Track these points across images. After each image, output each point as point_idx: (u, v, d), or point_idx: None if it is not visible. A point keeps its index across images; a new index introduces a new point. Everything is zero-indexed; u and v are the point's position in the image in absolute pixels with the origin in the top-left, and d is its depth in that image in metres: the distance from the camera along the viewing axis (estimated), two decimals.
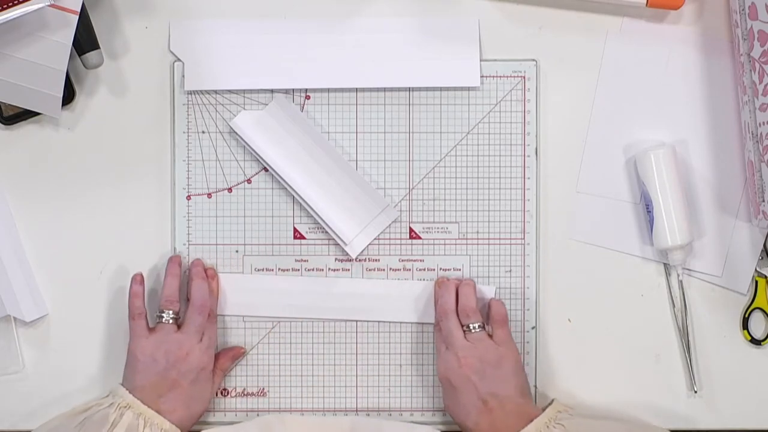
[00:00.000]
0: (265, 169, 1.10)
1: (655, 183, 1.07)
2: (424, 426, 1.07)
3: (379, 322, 1.11)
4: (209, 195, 1.11)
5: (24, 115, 1.10)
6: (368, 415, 1.11)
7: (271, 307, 1.10)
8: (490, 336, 1.05)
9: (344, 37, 1.10)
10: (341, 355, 1.11)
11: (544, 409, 1.02)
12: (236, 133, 1.09)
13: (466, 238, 1.11)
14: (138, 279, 1.07)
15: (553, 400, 1.05)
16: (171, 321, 1.05)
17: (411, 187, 1.11)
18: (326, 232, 1.10)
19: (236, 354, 1.10)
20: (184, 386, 1.03)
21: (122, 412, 1.00)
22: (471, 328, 1.04)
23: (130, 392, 1.01)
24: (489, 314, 1.07)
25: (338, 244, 1.10)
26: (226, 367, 1.09)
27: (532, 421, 0.99)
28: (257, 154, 1.09)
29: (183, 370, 1.03)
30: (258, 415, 1.11)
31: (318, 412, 1.11)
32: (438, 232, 1.11)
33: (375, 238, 1.10)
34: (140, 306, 1.06)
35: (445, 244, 1.11)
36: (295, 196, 1.09)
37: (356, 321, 1.10)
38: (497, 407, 1.01)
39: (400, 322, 1.10)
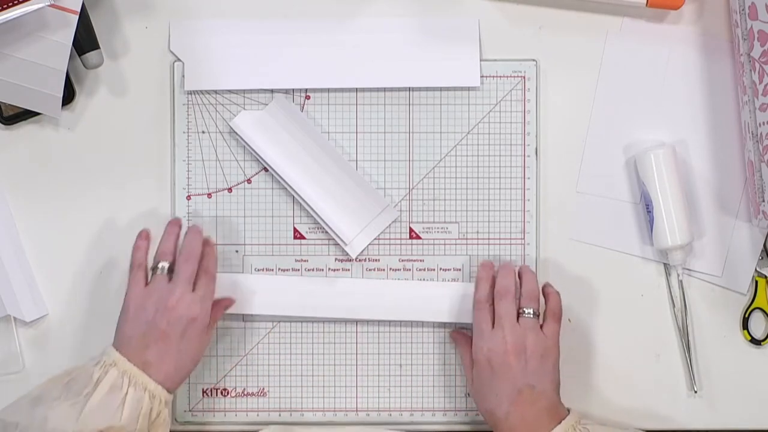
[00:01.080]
0: (265, 169, 1.10)
1: (655, 183, 1.07)
2: None
3: (379, 322, 1.11)
4: (209, 195, 1.11)
5: (24, 115, 1.10)
6: (368, 415, 1.11)
7: (270, 306, 1.10)
8: (541, 327, 1.03)
9: (344, 37, 1.10)
10: (341, 356, 1.11)
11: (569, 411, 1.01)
12: (236, 133, 1.09)
13: (466, 238, 1.11)
14: (144, 234, 1.06)
15: (570, 410, 1.04)
16: (165, 272, 1.02)
17: (411, 187, 1.11)
18: (326, 232, 1.10)
19: (227, 304, 1.07)
20: (173, 338, 1.00)
21: (107, 370, 0.97)
22: (526, 312, 1.02)
23: (118, 346, 0.99)
24: (547, 306, 1.05)
25: (338, 244, 1.10)
26: (217, 318, 1.06)
27: (561, 422, 0.99)
28: (257, 154, 1.09)
29: (171, 320, 1.00)
30: (258, 415, 1.11)
31: (318, 412, 1.11)
32: (438, 232, 1.11)
33: (375, 238, 1.10)
34: (141, 258, 1.04)
35: (445, 244, 1.11)
36: (295, 196, 1.09)
37: (356, 321, 1.10)
38: (531, 400, 0.99)
39: (400, 321, 1.10)
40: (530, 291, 1.04)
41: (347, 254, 1.10)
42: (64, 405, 0.96)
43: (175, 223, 1.06)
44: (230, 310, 1.09)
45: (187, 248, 1.03)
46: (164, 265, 1.03)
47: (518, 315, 1.02)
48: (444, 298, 1.09)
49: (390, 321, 1.10)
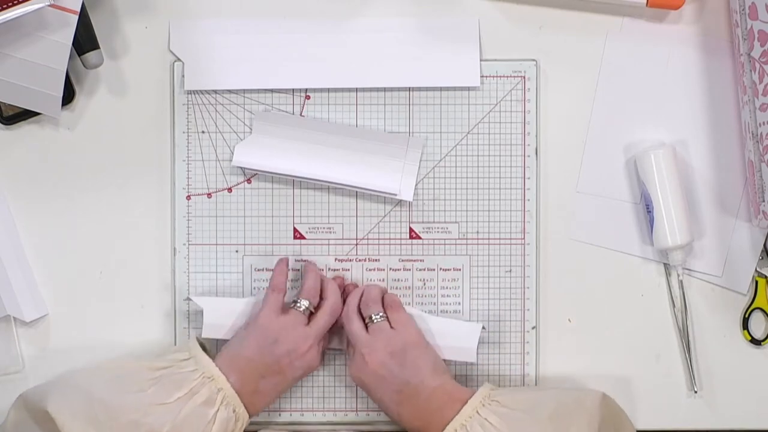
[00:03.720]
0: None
1: (655, 183, 1.07)
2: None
3: None
4: (209, 195, 1.11)
5: (24, 115, 1.10)
6: (368, 415, 1.11)
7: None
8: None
9: (344, 37, 1.10)
10: (341, 355, 1.11)
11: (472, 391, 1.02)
12: (242, 168, 1.09)
13: (466, 238, 1.11)
14: (286, 261, 1.08)
15: (484, 383, 1.04)
16: (305, 311, 1.04)
17: None
18: (330, 230, 1.10)
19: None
20: (288, 378, 1.03)
21: (204, 383, 0.99)
22: (373, 318, 1.04)
23: (232, 358, 1.01)
24: (383, 302, 1.06)
25: (338, 244, 1.10)
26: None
27: (465, 403, 0.99)
28: (272, 173, 1.08)
29: (296, 364, 1.03)
30: (258, 415, 1.11)
31: (318, 412, 1.11)
32: (438, 232, 1.11)
33: (416, 181, 1.10)
34: (283, 283, 1.06)
35: (445, 244, 1.11)
36: (329, 186, 1.09)
37: None
38: (413, 394, 1.01)
39: None
40: (368, 297, 1.06)
41: (347, 254, 1.10)
42: (156, 404, 0.97)
43: (311, 264, 1.09)
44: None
45: (334, 303, 1.06)
46: (307, 304, 1.05)
47: (367, 326, 1.04)
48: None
49: None
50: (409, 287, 1.11)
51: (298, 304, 1.04)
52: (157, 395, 0.98)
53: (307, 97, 1.11)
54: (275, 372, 1.02)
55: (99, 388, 0.98)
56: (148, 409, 0.96)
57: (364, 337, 1.03)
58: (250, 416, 1.02)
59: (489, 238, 1.11)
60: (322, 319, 1.04)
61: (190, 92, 1.10)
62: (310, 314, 1.05)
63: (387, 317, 1.05)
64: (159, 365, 1.01)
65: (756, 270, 1.10)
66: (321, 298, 1.06)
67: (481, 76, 1.10)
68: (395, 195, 1.09)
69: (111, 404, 0.96)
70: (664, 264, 1.10)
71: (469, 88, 1.10)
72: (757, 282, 1.10)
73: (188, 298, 1.09)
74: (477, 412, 0.99)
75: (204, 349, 1.04)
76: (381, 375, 1.02)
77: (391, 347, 1.03)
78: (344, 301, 1.07)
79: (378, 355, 1.02)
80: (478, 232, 1.11)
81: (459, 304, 1.10)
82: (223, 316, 1.08)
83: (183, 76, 1.10)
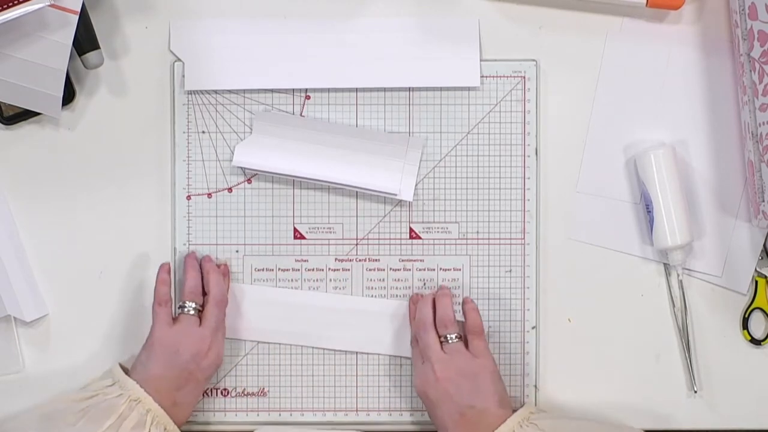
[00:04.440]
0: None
1: (655, 183, 1.07)
2: None
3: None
4: (209, 195, 1.11)
5: (24, 115, 1.10)
6: (368, 415, 1.11)
7: (259, 332, 1.10)
8: (467, 347, 1.04)
9: (344, 37, 1.10)
10: (341, 355, 1.11)
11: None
12: (244, 168, 1.09)
13: (466, 238, 1.11)
14: (166, 268, 1.08)
15: (525, 403, 1.04)
16: (193, 312, 1.05)
17: None
18: (330, 230, 1.10)
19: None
20: (201, 381, 1.04)
21: (131, 406, 0.99)
22: (449, 339, 1.04)
23: (144, 382, 1.01)
24: (465, 325, 1.06)
25: (338, 244, 1.10)
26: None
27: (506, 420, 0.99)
28: (273, 173, 1.08)
29: (203, 366, 1.03)
30: (258, 415, 1.11)
31: (318, 412, 1.11)
32: (438, 232, 1.11)
33: (415, 182, 1.10)
34: (167, 293, 1.06)
35: (445, 244, 1.11)
36: (329, 186, 1.09)
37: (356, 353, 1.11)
38: (475, 420, 1.00)
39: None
40: (443, 317, 1.05)
41: (347, 254, 1.10)
42: None
43: (192, 257, 1.08)
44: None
45: (218, 294, 1.06)
46: (193, 305, 1.05)
47: (442, 344, 1.04)
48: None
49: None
50: (409, 287, 1.11)
51: (186, 309, 1.05)
52: (86, 428, 0.97)
53: (307, 97, 1.11)
54: (187, 380, 1.02)
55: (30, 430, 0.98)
56: None
57: (440, 353, 1.03)
58: (180, 427, 1.02)
59: (489, 238, 1.11)
60: (211, 314, 1.05)
61: (190, 92, 1.10)
62: (200, 312, 1.05)
63: (464, 339, 1.05)
64: (85, 396, 1.01)
65: (756, 270, 1.10)
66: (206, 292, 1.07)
67: (481, 76, 1.10)
68: (395, 195, 1.09)
69: None
70: (664, 264, 1.10)
71: (469, 88, 1.10)
72: (756, 282, 1.10)
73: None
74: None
75: (126, 373, 1.04)
76: (449, 393, 1.01)
77: (466, 369, 1.02)
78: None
79: (450, 373, 1.02)
80: (478, 232, 1.11)
81: (459, 304, 1.10)
82: None
83: (183, 76, 1.10)
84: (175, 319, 1.05)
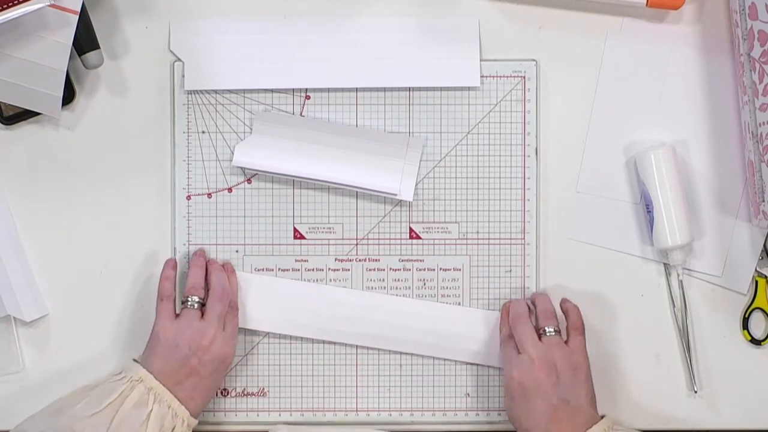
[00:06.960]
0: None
1: (655, 183, 1.07)
2: None
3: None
4: (209, 195, 1.11)
5: (24, 115, 1.10)
6: (368, 415, 1.11)
7: (267, 323, 1.10)
8: (566, 343, 1.04)
9: (344, 37, 1.10)
10: (341, 355, 1.11)
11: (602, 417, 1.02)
12: (244, 168, 1.09)
13: (466, 238, 1.11)
14: (171, 264, 1.08)
15: (605, 416, 1.03)
16: (196, 306, 1.04)
17: None
18: (330, 230, 1.10)
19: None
20: (203, 375, 1.03)
21: (133, 385, 0.99)
22: (547, 332, 1.03)
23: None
24: (567, 321, 1.06)
25: (338, 244, 1.10)
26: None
27: (593, 425, 0.99)
28: (273, 173, 1.09)
29: (204, 360, 1.02)
30: (258, 415, 1.11)
31: (318, 412, 1.11)
32: (438, 232, 1.11)
33: (416, 182, 1.10)
34: (170, 289, 1.06)
35: (445, 244, 1.11)
36: (329, 186, 1.09)
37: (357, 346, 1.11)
38: (567, 416, 0.99)
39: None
40: (544, 310, 1.05)
41: (347, 254, 1.10)
42: (89, 416, 0.97)
43: (200, 254, 1.09)
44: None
45: (218, 288, 1.06)
46: (196, 299, 1.05)
47: (540, 336, 1.03)
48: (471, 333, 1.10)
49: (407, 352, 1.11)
50: (409, 287, 1.11)
51: (188, 303, 1.05)
52: (88, 407, 0.98)
53: (307, 97, 1.11)
54: (188, 375, 1.02)
55: (34, 426, 0.98)
56: (80, 423, 0.96)
57: (539, 343, 1.02)
58: (194, 416, 1.02)
59: (489, 238, 1.11)
60: (214, 308, 1.04)
61: (190, 92, 1.10)
62: (203, 306, 1.05)
63: (564, 335, 1.04)
64: (90, 385, 1.02)
65: (756, 270, 1.10)
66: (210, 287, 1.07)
67: (481, 76, 1.10)
68: (395, 195, 1.09)
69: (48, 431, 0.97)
70: (664, 264, 1.10)
71: (469, 88, 1.10)
72: (757, 282, 1.10)
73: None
74: None
75: None
76: (545, 385, 1.00)
77: (564, 362, 1.01)
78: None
79: (548, 365, 1.01)
80: (478, 232, 1.11)
81: (459, 304, 1.10)
82: None
83: (183, 76, 1.10)
84: (178, 315, 1.05)
